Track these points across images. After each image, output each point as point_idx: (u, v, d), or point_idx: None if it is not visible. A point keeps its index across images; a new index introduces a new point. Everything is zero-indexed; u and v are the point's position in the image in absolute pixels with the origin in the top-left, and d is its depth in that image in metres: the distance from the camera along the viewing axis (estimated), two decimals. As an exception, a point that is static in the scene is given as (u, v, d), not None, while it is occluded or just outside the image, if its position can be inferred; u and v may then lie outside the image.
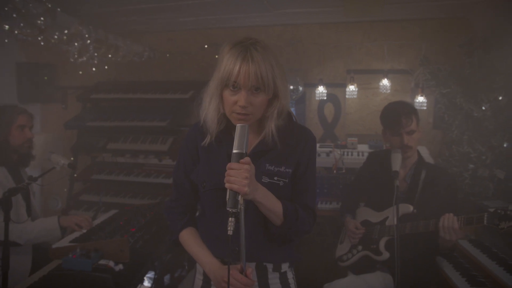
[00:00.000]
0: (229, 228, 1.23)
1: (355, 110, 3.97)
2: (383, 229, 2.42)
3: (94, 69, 3.33)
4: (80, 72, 4.04)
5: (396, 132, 2.32)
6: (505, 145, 2.85)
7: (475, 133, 2.94)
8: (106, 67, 3.54)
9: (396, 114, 2.31)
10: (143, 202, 3.85)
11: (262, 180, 1.41)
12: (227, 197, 1.25)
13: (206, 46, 4.08)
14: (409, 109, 2.34)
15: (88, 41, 3.00)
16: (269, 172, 1.43)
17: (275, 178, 1.44)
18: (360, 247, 2.52)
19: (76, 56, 2.98)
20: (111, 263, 1.97)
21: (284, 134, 1.43)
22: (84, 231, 2.41)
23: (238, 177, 1.24)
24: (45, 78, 4.35)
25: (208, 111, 1.42)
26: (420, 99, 3.46)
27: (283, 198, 1.42)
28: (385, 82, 3.61)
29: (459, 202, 2.51)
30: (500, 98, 2.81)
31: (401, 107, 2.36)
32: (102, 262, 1.97)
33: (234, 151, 1.29)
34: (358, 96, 3.81)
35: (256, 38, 1.40)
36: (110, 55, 3.46)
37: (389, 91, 3.63)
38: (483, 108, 2.86)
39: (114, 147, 4.04)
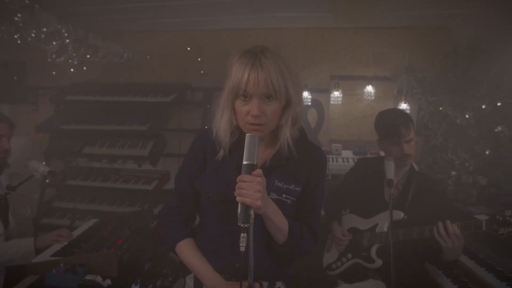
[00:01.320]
0: (241, 244, 1.17)
1: (339, 116, 3.98)
2: (374, 236, 2.40)
3: (72, 70, 3.16)
4: (54, 72, 3.84)
5: (396, 142, 2.30)
6: (487, 153, 2.93)
7: (459, 141, 3.00)
8: (84, 68, 3.37)
9: (395, 124, 2.29)
10: (121, 209, 3.72)
11: (270, 196, 1.35)
12: (239, 211, 1.19)
13: (189, 48, 3.98)
14: (406, 118, 2.34)
15: (67, 41, 2.84)
16: (277, 189, 1.37)
17: (283, 195, 1.39)
18: (349, 255, 2.49)
19: (54, 56, 2.81)
20: (99, 278, 1.84)
21: (299, 148, 1.38)
22: (65, 243, 2.26)
23: (251, 190, 1.19)
24: (15, 77, 4.11)
25: (221, 124, 1.36)
26: (404, 106, 3.50)
27: (288, 217, 1.37)
28: (369, 88, 3.63)
29: (449, 210, 2.53)
30: (484, 106, 2.88)
31: (398, 117, 2.35)
32: (88, 277, 1.83)
33: (245, 162, 1.22)
34: (342, 102, 3.82)
35: (265, 45, 1.35)
36: (88, 56, 3.30)
37: (373, 97, 3.66)
38: (467, 116, 2.92)
39: (90, 151, 3.89)
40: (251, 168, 1.22)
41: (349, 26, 3.64)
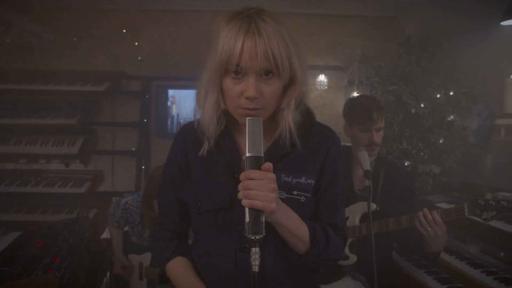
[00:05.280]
0: (253, 263, 0.91)
1: (289, 107, 3.83)
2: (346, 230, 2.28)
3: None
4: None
5: (365, 128, 2.18)
6: (441, 141, 2.96)
7: (414, 130, 3.00)
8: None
9: (368, 108, 2.16)
10: (44, 218, 3.28)
11: (279, 196, 1.06)
12: (247, 219, 0.91)
13: (124, 30, 3.58)
14: (379, 105, 2.24)
15: (-29, 11, 2.26)
16: (286, 185, 1.09)
17: (295, 192, 1.10)
18: (321, 253, 2.34)
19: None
20: (34, 311, 1.42)
21: (304, 134, 1.11)
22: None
23: (263, 190, 0.91)
24: None
25: (205, 109, 1.06)
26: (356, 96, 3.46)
27: (305, 219, 1.10)
28: (322, 78, 3.53)
29: (415, 199, 2.50)
30: (438, 96, 2.90)
31: (371, 102, 2.24)
32: (19, 311, 1.41)
33: (249, 154, 0.94)
34: (293, 92, 3.68)
35: (260, 6, 1.06)
36: (-1, 34, 2.72)
37: (326, 87, 3.56)
38: (422, 105, 2.93)
39: (3, 151, 3.39)
40: (258, 161, 0.94)
41: (302, 12, 3.50)
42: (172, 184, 1.17)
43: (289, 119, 1.07)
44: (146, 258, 2.42)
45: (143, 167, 3.67)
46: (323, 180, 1.14)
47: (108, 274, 2.69)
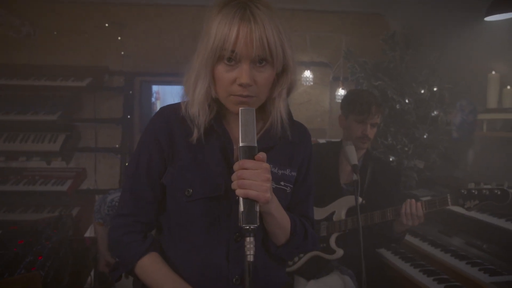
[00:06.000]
0: (248, 253, 0.90)
1: (274, 103, 3.83)
2: (332, 225, 2.29)
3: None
4: None
5: (361, 120, 2.21)
6: (425, 136, 3.01)
7: (399, 126, 3.04)
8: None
9: (368, 102, 2.21)
10: (25, 217, 3.19)
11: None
12: (241, 208, 0.91)
13: (106, 24, 3.51)
14: (379, 102, 2.30)
15: None
16: (273, 176, 1.09)
17: (282, 183, 1.13)
18: (307, 248, 2.35)
19: None
20: (17, 312, 1.38)
21: (289, 126, 1.12)
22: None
23: (257, 179, 0.92)
24: None
25: (195, 96, 1.04)
26: (341, 92, 3.49)
27: (286, 209, 1.13)
28: (307, 73, 3.54)
29: (401, 193, 2.53)
30: (423, 91, 2.94)
31: (373, 97, 2.29)
32: (2, 312, 1.37)
33: (242, 144, 0.95)
34: (277, 88, 3.69)
35: None
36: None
37: (312, 83, 3.57)
38: (407, 101, 2.96)
39: None
40: (252, 151, 0.95)
41: (287, 7, 3.49)
42: (148, 170, 1.10)
43: (280, 108, 1.08)
44: (132, 255, 2.38)
45: (126, 164, 3.61)
46: (300, 173, 1.18)
47: (92, 272, 2.65)
